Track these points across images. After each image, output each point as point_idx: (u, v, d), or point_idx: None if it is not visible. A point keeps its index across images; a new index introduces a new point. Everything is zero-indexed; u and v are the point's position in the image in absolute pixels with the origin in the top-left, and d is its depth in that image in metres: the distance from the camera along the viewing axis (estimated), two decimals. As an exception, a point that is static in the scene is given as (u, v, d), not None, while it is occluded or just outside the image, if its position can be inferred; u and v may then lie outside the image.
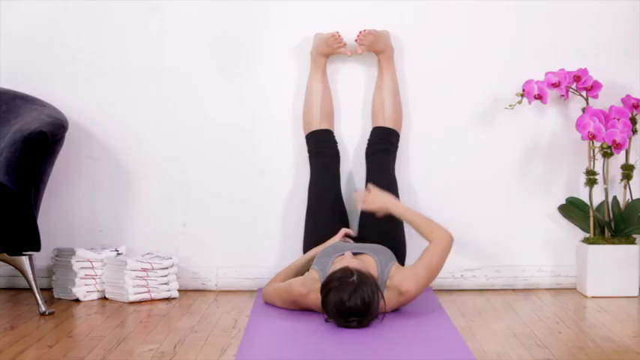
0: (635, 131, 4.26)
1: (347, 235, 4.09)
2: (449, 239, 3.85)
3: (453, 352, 3.27)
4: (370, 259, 3.77)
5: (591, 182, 4.20)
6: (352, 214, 4.29)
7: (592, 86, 4.23)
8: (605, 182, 4.26)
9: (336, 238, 4.05)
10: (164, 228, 4.38)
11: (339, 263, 3.68)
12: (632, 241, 4.21)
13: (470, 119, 4.36)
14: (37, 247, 3.86)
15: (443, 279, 4.34)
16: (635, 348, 3.34)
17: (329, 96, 4.32)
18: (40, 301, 3.87)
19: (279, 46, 4.35)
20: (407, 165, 4.35)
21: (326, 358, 3.20)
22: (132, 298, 4.08)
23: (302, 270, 4.03)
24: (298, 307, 3.80)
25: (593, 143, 4.20)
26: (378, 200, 3.99)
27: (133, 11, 4.34)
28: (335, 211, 4.19)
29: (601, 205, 4.29)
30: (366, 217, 4.15)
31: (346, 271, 3.52)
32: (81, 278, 4.15)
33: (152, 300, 4.14)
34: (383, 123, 4.26)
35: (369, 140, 4.29)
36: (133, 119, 4.37)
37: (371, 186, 4.05)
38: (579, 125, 4.16)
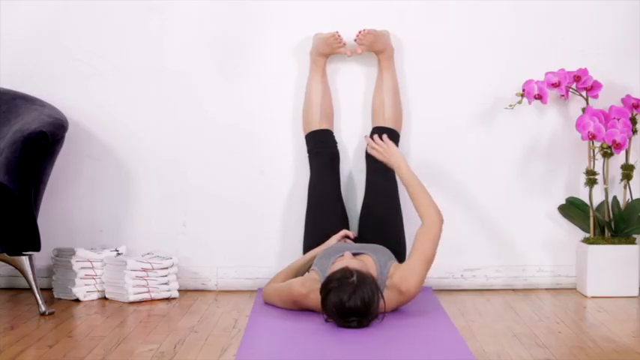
0: (635, 131, 4.26)
1: (346, 237, 4.09)
2: (438, 224, 3.81)
3: (453, 352, 3.27)
4: (369, 259, 3.77)
5: (591, 182, 4.20)
6: (352, 215, 4.29)
7: (592, 86, 4.23)
8: (605, 182, 4.26)
9: (334, 240, 4.05)
10: (164, 228, 4.38)
11: (338, 264, 3.68)
12: (632, 241, 4.21)
13: (470, 119, 4.36)
14: (37, 247, 3.86)
15: (443, 279, 4.34)
16: (635, 348, 3.34)
17: (329, 96, 4.32)
18: (40, 301, 3.87)
19: (279, 46, 4.35)
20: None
21: (326, 358, 3.20)
22: (132, 298, 4.08)
23: (302, 270, 4.03)
24: (298, 307, 3.80)
25: (593, 143, 4.20)
26: (390, 154, 3.99)
27: (133, 11, 4.34)
28: (335, 211, 4.18)
29: (601, 205, 4.29)
30: (366, 217, 4.16)
31: (346, 272, 3.52)
32: (81, 278, 4.15)
33: (152, 300, 4.14)
34: (383, 123, 4.26)
35: (369, 140, 4.29)
36: (133, 119, 4.37)
37: (386, 138, 4.04)
38: (579, 125, 4.16)
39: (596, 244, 4.19)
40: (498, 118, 4.35)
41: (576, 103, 4.32)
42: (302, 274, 3.98)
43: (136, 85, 4.36)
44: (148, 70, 4.36)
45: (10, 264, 3.88)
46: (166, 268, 4.17)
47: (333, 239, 4.06)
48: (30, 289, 3.90)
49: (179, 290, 4.25)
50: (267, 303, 3.96)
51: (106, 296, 4.18)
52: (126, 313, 3.91)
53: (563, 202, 4.36)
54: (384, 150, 4.01)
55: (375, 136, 4.06)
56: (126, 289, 4.08)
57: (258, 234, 4.38)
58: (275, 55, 4.35)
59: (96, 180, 4.39)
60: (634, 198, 4.29)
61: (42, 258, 4.27)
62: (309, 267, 3.93)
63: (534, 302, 4.10)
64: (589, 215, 4.25)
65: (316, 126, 4.28)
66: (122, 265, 4.10)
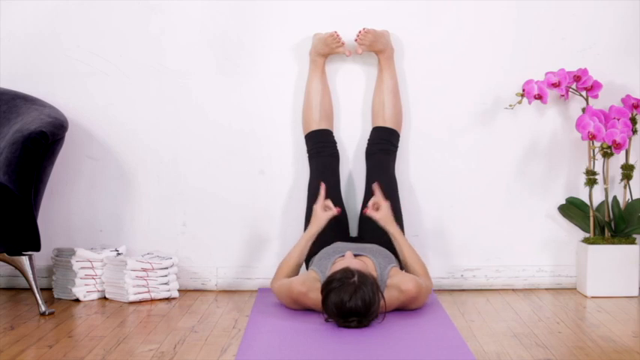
0: (635, 131, 4.26)
1: (329, 207, 4.03)
2: (429, 288, 3.89)
3: (453, 352, 3.27)
4: (369, 262, 3.78)
5: (591, 182, 4.20)
6: (352, 214, 4.29)
7: (592, 86, 4.23)
8: (605, 182, 4.26)
9: (319, 208, 4.01)
10: (164, 228, 4.38)
11: (339, 263, 3.68)
12: (632, 241, 4.21)
13: (470, 119, 4.36)
14: (37, 247, 3.85)
15: (443, 279, 4.34)
16: (635, 348, 3.34)
17: (328, 96, 4.32)
18: (40, 301, 3.87)
19: (279, 46, 4.35)
20: (407, 165, 4.35)
21: (326, 358, 3.20)
22: (132, 298, 4.08)
23: (302, 258, 3.98)
24: (299, 306, 3.80)
25: (593, 143, 4.20)
26: (386, 217, 3.98)
27: (133, 11, 4.34)
28: (335, 211, 4.18)
29: (601, 205, 4.29)
30: (366, 217, 4.14)
31: (347, 272, 3.53)
32: (81, 278, 4.15)
33: (152, 300, 4.14)
34: (383, 123, 4.26)
35: (369, 140, 4.29)
36: (133, 119, 4.37)
37: (385, 204, 4.01)
38: (579, 125, 4.16)
39: (596, 244, 4.19)
40: (498, 118, 4.35)
41: (576, 103, 4.32)
42: (303, 260, 3.97)
43: (136, 85, 4.36)
44: (148, 70, 4.36)
45: (10, 264, 3.88)
46: (166, 268, 4.17)
47: (319, 210, 4.01)
48: (30, 289, 3.90)
49: (179, 290, 4.25)
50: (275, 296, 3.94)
51: (106, 296, 4.18)
52: (126, 313, 3.91)
53: (563, 202, 4.36)
54: (381, 211, 3.98)
55: (379, 200, 4.01)
56: (126, 289, 4.08)
57: (258, 234, 4.39)
58: (275, 55, 4.35)
59: (96, 180, 4.39)
60: (634, 198, 4.29)
61: (42, 258, 4.28)
62: (309, 253, 3.94)
63: (534, 302, 4.10)
64: (589, 215, 4.25)
65: (316, 126, 4.28)
66: (122, 265, 4.10)
